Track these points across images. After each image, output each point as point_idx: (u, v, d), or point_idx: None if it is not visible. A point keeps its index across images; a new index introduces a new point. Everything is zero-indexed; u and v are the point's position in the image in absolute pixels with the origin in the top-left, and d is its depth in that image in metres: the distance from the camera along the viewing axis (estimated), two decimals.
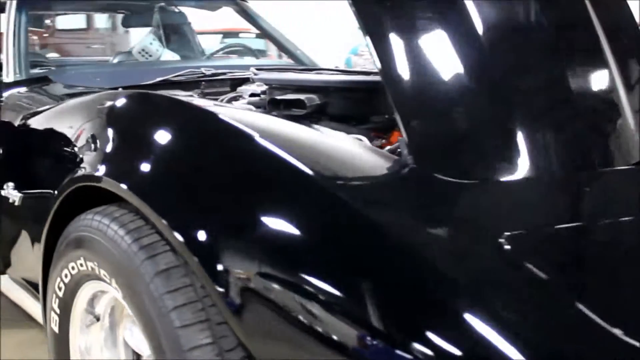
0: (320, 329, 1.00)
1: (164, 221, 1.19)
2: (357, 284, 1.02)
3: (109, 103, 1.55)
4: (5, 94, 2.30)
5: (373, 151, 1.36)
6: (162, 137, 1.36)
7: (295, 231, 1.09)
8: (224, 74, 2.42)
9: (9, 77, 2.36)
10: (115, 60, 3.33)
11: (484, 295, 1.00)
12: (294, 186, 1.17)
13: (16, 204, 1.86)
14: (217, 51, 3.25)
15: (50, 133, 1.81)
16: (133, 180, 1.31)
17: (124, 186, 1.29)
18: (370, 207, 1.14)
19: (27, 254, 1.89)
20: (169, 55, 3.07)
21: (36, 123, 1.93)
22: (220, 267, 1.11)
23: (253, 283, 1.08)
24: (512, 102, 1.41)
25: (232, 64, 2.66)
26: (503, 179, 1.30)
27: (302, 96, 1.80)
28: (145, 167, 1.33)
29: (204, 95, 2.25)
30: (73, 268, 1.44)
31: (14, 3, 2.57)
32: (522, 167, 1.33)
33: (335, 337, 0.99)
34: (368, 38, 1.37)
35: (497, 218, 1.19)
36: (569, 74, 1.49)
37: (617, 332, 0.95)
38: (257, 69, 2.13)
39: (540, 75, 1.48)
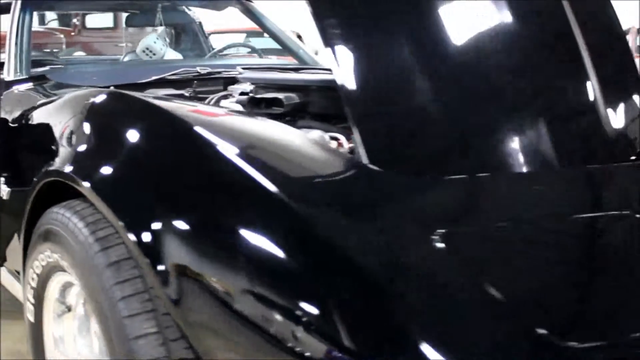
0: (253, 322, 1.04)
1: (120, 222, 1.24)
2: (291, 278, 1.06)
3: (85, 101, 1.61)
4: (5, 92, 2.38)
5: (328, 150, 1.39)
6: (125, 137, 1.41)
7: (231, 228, 1.13)
8: (219, 73, 2.46)
9: (9, 75, 2.43)
10: (126, 59, 3.40)
11: (408, 293, 1.02)
12: (239, 187, 1.20)
13: (4, 198, 1.93)
14: (218, 51, 3.29)
15: (34, 129, 1.88)
16: (94, 178, 1.36)
17: (86, 184, 1.35)
18: (312, 205, 1.17)
19: (15, 246, 1.96)
20: (172, 54, 3.13)
21: (24, 120, 2.00)
22: (163, 263, 1.15)
23: (192, 277, 1.12)
24: (464, 101, 1.44)
25: (232, 63, 2.71)
26: (452, 176, 1.32)
27: (280, 95, 1.84)
28: (106, 166, 1.37)
29: (195, 93, 2.30)
30: (42, 260, 1.50)
31: (19, 3, 2.64)
32: (472, 164, 1.36)
33: (269, 330, 1.02)
34: (323, 39, 1.40)
35: (436, 215, 1.22)
36: (528, 72, 1.51)
37: (542, 331, 0.97)
38: (244, 68, 2.18)
39: (495, 73, 1.50)
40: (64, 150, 1.57)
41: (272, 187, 1.14)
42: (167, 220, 1.19)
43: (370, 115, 1.39)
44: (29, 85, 2.32)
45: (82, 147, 1.52)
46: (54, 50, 6.75)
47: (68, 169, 1.43)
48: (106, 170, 1.37)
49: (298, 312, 0.99)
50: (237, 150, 1.24)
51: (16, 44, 2.53)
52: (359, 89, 1.40)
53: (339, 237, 1.09)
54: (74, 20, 8.64)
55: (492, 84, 1.50)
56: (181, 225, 1.17)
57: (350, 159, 1.37)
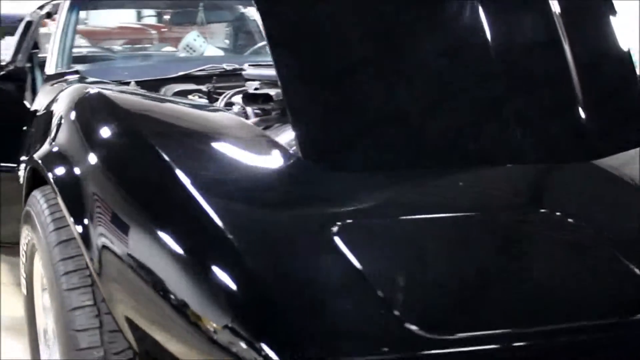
0: (168, 299, 1.13)
1: (65, 208, 1.37)
2: (201, 263, 1.13)
3: (71, 97, 1.73)
4: (42, 85, 2.60)
5: (268, 144, 1.46)
6: (84, 134, 1.52)
7: (146, 218, 1.23)
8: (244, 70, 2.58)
9: (50, 69, 2.65)
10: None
11: (299, 285, 1.09)
12: (161, 182, 1.29)
13: (20, 182, 2.13)
14: (258, 48, 3.39)
15: (41, 120, 2.05)
16: (53, 169, 1.49)
17: (48, 174, 1.48)
18: (224, 196, 1.25)
19: None
20: (212, 51, 3.27)
21: (42, 112, 2.18)
22: (91, 245, 1.28)
23: (113, 255, 1.24)
24: (412, 100, 1.49)
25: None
26: (380, 171, 1.38)
27: (271, 91, 1.93)
28: (64, 159, 1.49)
29: (214, 89, 2.42)
30: (26, 238, 1.66)
31: (67, 3, 2.86)
32: (398, 160, 1.41)
33: (171, 300, 1.11)
34: (266, 38, 1.48)
35: (345, 208, 1.28)
36: (458, 69, 1.55)
37: (411, 326, 1.02)
38: (250, 65, 2.28)
39: (424, 71, 1.54)
40: (46, 142, 1.71)
41: (188, 180, 1.24)
42: (97, 212, 1.31)
43: (308, 111, 1.46)
44: (61, 79, 2.52)
45: (54, 140, 1.64)
46: (137, 45, 7.05)
47: (40, 158, 1.58)
48: (64, 162, 1.49)
49: (189, 291, 1.09)
50: (167, 146, 1.34)
51: (60, 41, 2.74)
52: (298, 86, 1.47)
53: (239, 229, 1.15)
54: (165, 17, 8.99)
55: (441, 85, 1.54)
56: (107, 214, 1.28)
57: (287, 153, 1.44)
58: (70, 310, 1.32)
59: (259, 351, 0.97)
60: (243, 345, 0.99)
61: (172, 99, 2.11)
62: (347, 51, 1.55)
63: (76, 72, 2.55)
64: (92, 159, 1.42)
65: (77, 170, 1.43)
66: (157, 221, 1.20)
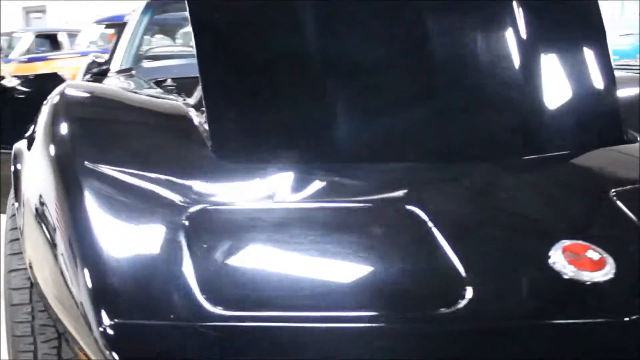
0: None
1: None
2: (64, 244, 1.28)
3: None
4: (104, 80, 2.89)
5: (188, 134, 1.58)
6: (37, 120, 1.67)
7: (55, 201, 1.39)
8: None
9: (114, 67, 2.94)
10: None
11: (132, 261, 1.23)
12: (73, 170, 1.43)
13: None
14: None
15: None
16: (17, 152, 1.72)
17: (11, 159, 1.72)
18: (121, 181, 1.39)
19: None
20: None
21: None
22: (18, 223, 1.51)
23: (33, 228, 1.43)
24: (312, 102, 1.58)
25: None
26: (280, 166, 1.48)
27: None
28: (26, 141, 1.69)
29: None
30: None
31: (143, 5, 3.16)
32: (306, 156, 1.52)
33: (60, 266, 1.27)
34: (193, 35, 1.62)
35: (216, 196, 1.40)
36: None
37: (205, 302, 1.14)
38: None
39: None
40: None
41: (81, 163, 1.41)
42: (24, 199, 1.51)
43: (223, 109, 1.58)
44: (116, 76, 2.80)
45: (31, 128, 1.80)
46: None
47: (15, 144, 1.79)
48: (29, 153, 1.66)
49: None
50: (82, 134, 1.53)
51: (129, 41, 3.03)
52: (219, 83, 1.60)
53: (104, 210, 1.31)
54: None
55: (356, 86, 1.61)
56: (32, 199, 1.47)
57: (202, 143, 1.54)
58: (8, 272, 1.54)
59: (86, 316, 1.13)
60: (82, 310, 1.15)
61: (137, 91, 2.25)
62: (266, 53, 1.65)
63: (129, 69, 2.82)
64: (33, 139, 1.61)
65: (22, 149, 1.66)
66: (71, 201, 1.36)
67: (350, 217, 1.36)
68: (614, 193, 1.42)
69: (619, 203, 1.39)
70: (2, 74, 3.61)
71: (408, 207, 1.35)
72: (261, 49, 1.66)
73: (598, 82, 1.72)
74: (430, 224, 1.28)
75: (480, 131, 1.61)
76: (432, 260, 1.24)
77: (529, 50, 1.69)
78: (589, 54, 1.75)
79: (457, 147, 1.58)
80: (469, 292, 1.16)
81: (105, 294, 1.16)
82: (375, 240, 1.29)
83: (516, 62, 1.66)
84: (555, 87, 1.69)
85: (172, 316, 1.12)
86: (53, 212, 1.34)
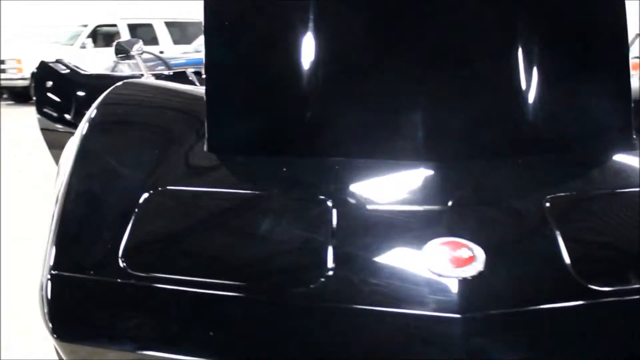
0: None
1: None
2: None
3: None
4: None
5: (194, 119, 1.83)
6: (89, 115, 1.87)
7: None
8: None
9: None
10: None
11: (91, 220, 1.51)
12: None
13: None
14: None
15: None
16: None
17: None
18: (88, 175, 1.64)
19: None
20: None
21: None
22: None
23: None
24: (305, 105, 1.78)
25: None
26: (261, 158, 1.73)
27: None
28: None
29: None
30: None
31: None
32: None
33: None
34: (204, 34, 1.82)
35: (188, 179, 1.65)
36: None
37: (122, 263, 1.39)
38: None
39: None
40: None
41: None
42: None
43: (219, 108, 1.79)
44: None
45: None
46: None
47: None
48: None
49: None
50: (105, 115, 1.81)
51: None
52: (222, 84, 1.80)
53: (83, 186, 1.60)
54: None
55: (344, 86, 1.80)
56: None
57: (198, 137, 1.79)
58: None
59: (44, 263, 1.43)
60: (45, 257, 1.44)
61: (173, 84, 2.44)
62: (267, 60, 1.84)
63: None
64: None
65: None
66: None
67: (266, 205, 1.57)
68: (549, 199, 1.49)
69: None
70: None
71: (317, 197, 1.52)
72: (264, 53, 1.85)
73: (611, 88, 1.78)
74: (328, 214, 1.46)
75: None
76: (312, 251, 1.42)
77: (541, 55, 1.75)
78: (604, 58, 1.80)
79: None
80: (330, 277, 1.33)
81: (57, 247, 1.43)
82: (277, 227, 1.49)
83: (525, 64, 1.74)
84: (566, 89, 1.77)
85: (92, 272, 1.39)
86: (58, 180, 1.64)
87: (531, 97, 1.74)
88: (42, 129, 3.73)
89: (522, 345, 1.25)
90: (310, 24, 1.81)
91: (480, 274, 1.31)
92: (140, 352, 1.33)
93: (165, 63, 5.79)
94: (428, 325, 1.25)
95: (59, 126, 3.63)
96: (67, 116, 3.55)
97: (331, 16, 1.84)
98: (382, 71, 1.81)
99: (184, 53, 9.53)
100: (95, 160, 1.67)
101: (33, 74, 3.69)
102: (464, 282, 1.29)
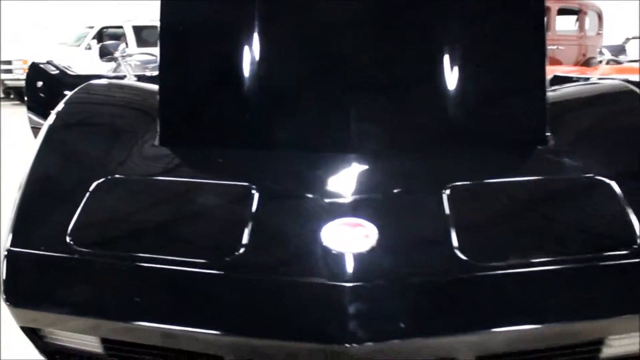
0: None
1: None
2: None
3: None
4: None
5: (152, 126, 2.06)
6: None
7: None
8: None
9: None
10: None
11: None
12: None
13: None
14: None
15: None
16: None
17: None
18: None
19: None
20: None
21: None
22: None
23: None
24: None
25: None
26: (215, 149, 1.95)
27: None
28: None
29: None
30: None
31: None
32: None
33: None
34: (159, 38, 2.07)
35: (137, 168, 1.87)
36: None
37: (69, 240, 1.63)
38: None
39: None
40: None
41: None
42: None
43: (172, 105, 2.04)
44: None
45: None
46: None
47: None
48: None
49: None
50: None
51: None
52: (174, 83, 2.06)
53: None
54: None
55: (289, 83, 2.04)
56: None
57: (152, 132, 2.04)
58: None
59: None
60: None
61: (138, 84, 2.72)
62: (213, 63, 2.09)
63: None
64: None
65: None
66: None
67: (199, 190, 1.80)
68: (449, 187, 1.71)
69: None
70: None
71: (242, 184, 1.75)
72: (210, 57, 2.09)
73: (528, 84, 2.00)
74: (250, 198, 1.69)
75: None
76: (232, 230, 1.62)
77: (465, 52, 1.98)
78: (522, 61, 2.01)
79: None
80: (245, 251, 1.55)
81: (15, 226, 1.66)
82: (205, 208, 1.74)
83: (449, 64, 1.97)
84: (484, 87, 1.99)
85: (43, 248, 1.61)
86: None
87: (451, 96, 1.95)
88: (32, 127, 3.94)
89: (402, 313, 1.44)
90: (254, 31, 2.03)
91: (372, 249, 1.51)
92: (77, 316, 1.54)
93: None
94: (321, 292, 1.45)
95: None
96: None
97: (271, 24, 2.07)
98: (314, 76, 2.05)
99: None
100: (55, 150, 1.89)
101: (26, 75, 3.90)
102: (356, 256, 1.49)
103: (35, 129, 3.89)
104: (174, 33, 2.09)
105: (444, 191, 1.69)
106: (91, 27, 13.84)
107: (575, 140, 1.94)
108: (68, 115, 2.02)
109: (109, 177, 1.80)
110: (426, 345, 1.41)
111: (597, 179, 1.72)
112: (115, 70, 6.00)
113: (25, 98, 3.95)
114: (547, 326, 1.44)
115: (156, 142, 1.99)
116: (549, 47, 9.83)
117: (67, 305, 1.56)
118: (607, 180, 1.70)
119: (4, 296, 1.57)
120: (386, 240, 1.55)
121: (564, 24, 10.41)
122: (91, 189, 1.75)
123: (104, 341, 1.61)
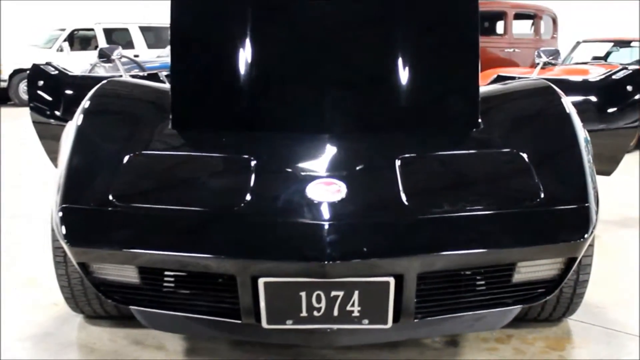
0: None
1: None
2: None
3: None
4: None
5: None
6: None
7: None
8: None
9: None
10: None
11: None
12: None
13: None
14: None
15: None
16: None
17: None
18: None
19: None
20: None
21: None
22: None
23: None
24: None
25: None
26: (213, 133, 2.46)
27: None
28: None
29: None
30: None
31: None
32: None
33: None
34: (170, 42, 2.58)
35: (156, 144, 2.40)
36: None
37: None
38: None
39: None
40: None
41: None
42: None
43: (184, 92, 2.54)
44: None
45: None
46: None
47: None
48: None
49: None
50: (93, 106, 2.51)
51: None
52: (186, 72, 2.57)
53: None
54: None
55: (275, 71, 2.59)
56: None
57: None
58: None
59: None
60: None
61: (147, 82, 3.21)
62: (217, 59, 2.59)
63: None
64: None
65: None
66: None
67: (208, 160, 2.34)
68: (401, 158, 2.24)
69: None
70: None
71: (243, 156, 2.27)
72: (215, 52, 2.59)
73: (464, 81, 2.57)
74: (250, 166, 2.21)
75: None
76: (236, 188, 2.15)
77: (406, 44, 2.56)
78: (458, 50, 2.60)
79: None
80: (248, 201, 2.07)
81: (64, 190, 2.13)
82: (215, 173, 2.30)
83: (393, 53, 2.55)
84: (424, 75, 2.55)
85: (91, 204, 2.10)
86: (61, 150, 2.33)
87: (403, 89, 2.52)
88: (34, 122, 4.40)
89: (365, 241, 1.97)
90: (247, 31, 2.59)
91: (342, 199, 2.07)
92: (121, 249, 2.04)
93: (139, 66, 6.50)
94: (307, 228, 1.99)
95: (48, 119, 4.32)
96: (56, 111, 4.22)
97: (261, 26, 2.62)
98: (296, 73, 2.61)
99: (158, 57, 10.16)
100: (90, 132, 2.37)
101: (27, 75, 4.34)
102: (331, 204, 2.05)
103: (37, 124, 4.33)
104: (184, 38, 2.62)
105: (396, 160, 2.23)
106: (62, 30, 14.13)
107: (501, 125, 2.49)
108: (97, 105, 2.47)
109: (137, 152, 2.28)
110: (381, 264, 1.95)
111: (513, 152, 2.28)
112: (90, 72, 6.48)
113: (27, 96, 4.39)
114: (471, 252, 1.98)
115: (169, 127, 2.50)
116: (506, 50, 10.53)
117: (112, 242, 2.04)
118: (521, 153, 2.26)
119: (65, 240, 2.07)
120: (353, 193, 2.09)
121: (520, 28, 11.05)
122: (124, 161, 2.24)
123: (141, 271, 2.11)
